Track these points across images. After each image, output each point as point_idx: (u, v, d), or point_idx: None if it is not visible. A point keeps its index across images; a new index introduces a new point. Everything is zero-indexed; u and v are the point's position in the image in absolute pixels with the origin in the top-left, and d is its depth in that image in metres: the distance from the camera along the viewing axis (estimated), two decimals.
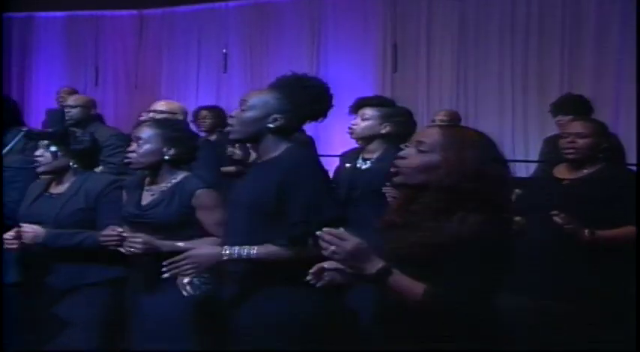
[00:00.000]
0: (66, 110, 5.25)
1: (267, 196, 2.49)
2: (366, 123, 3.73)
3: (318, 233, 1.93)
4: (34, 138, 3.25)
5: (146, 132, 3.03)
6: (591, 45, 6.87)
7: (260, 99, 2.63)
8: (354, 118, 3.75)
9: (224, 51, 8.23)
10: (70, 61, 9.30)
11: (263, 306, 2.51)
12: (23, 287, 3.44)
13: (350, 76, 7.33)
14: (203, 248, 2.66)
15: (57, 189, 3.32)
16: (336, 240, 1.91)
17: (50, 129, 3.22)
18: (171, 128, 3.09)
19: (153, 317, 2.91)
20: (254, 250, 2.51)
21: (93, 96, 7.10)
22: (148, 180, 3.08)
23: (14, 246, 3.14)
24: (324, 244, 1.91)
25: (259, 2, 8.33)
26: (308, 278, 2.23)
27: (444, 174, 2.00)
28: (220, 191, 3.05)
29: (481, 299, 1.99)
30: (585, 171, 3.37)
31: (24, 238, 3.13)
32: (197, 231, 2.94)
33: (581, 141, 3.37)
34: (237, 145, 4.64)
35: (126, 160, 3.09)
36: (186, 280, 2.63)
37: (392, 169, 2.12)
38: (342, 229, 1.92)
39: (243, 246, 2.51)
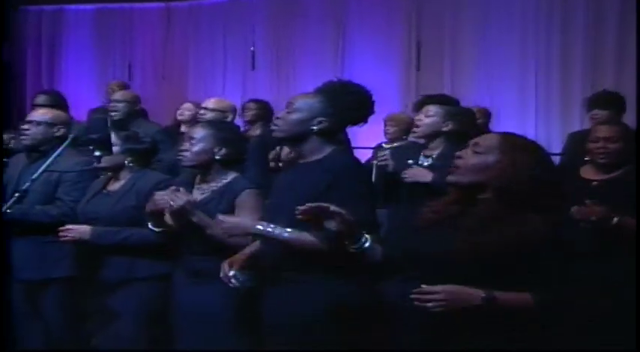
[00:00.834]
0: (112, 105, 5.51)
1: (315, 197, 2.55)
2: (429, 120, 3.85)
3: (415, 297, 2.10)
4: (80, 144, 3.46)
5: (199, 132, 3.20)
6: (613, 40, 7.00)
7: (306, 103, 2.77)
8: (418, 115, 3.90)
9: (252, 48, 8.39)
10: (99, 53, 9.50)
11: (299, 296, 2.64)
12: (76, 281, 3.71)
13: (374, 72, 7.50)
14: (240, 218, 2.80)
15: (113, 187, 3.53)
16: (429, 296, 2.08)
17: (94, 136, 3.40)
18: (224, 129, 3.26)
19: (196, 309, 3.10)
20: (286, 233, 2.59)
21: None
22: (198, 178, 3.24)
23: (66, 239, 3.38)
24: (422, 305, 2.08)
25: None
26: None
27: (498, 175, 2.17)
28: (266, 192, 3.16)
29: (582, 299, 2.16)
30: (614, 173, 3.47)
31: (72, 237, 3.37)
32: None
33: (612, 146, 3.48)
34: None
35: (178, 158, 3.27)
36: (231, 273, 2.78)
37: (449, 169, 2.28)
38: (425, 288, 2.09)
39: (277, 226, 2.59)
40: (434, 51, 7.67)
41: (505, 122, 6.99)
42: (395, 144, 5.42)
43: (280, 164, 4.15)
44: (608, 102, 4.83)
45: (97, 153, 3.42)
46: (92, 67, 9.44)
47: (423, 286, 2.11)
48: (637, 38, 5.75)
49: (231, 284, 2.79)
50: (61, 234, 3.39)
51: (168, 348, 3.33)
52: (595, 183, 3.49)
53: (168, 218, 3.14)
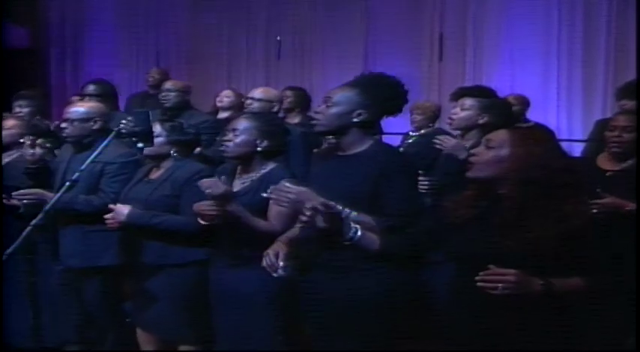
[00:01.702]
0: (162, 94, 5.67)
1: (364, 189, 2.69)
2: (464, 113, 3.90)
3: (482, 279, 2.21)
4: (123, 137, 3.61)
5: (242, 124, 3.33)
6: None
7: (344, 96, 2.87)
8: (454, 107, 3.97)
9: (278, 38, 8.53)
10: (123, 38, 9.65)
11: (352, 282, 2.75)
12: (118, 268, 3.89)
13: (397, 63, 7.64)
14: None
15: (154, 175, 3.70)
16: (499, 277, 2.19)
17: (137, 129, 3.51)
18: (267, 121, 3.38)
19: (234, 294, 3.27)
20: (354, 213, 2.66)
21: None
22: (240, 168, 3.38)
23: (113, 225, 3.54)
24: (491, 285, 2.19)
25: None
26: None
27: (512, 168, 2.30)
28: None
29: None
30: (628, 163, 3.59)
31: (114, 217, 3.52)
32: None
33: (626, 136, 3.58)
34: None
35: (221, 149, 3.41)
36: (281, 263, 2.85)
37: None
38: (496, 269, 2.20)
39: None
40: (456, 41, 7.79)
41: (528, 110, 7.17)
42: (422, 131, 5.60)
43: None
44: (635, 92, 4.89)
45: (140, 145, 3.54)
46: (116, 52, 9.60)
47: (492, 267, 2.20)
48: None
49: (275, 274, 2.86)
50: (107, 221, 3.54)
51: (205, 331, 3.52)
52: (609, 173, 3.60)
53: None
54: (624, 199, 3.42)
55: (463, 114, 3.91)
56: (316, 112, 2.97)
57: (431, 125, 5.68)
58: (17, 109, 5.20)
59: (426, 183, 3.92)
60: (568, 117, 7.44)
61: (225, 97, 5.89)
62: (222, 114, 5.89)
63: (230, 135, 3.34)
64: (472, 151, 2.45)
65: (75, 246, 3.91)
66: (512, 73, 7.47)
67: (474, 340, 2.38)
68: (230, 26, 9.06)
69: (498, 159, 2.34)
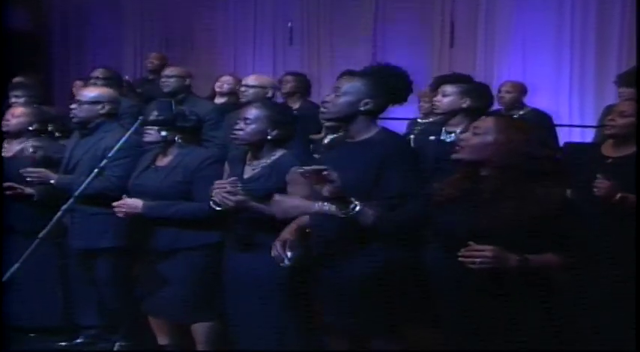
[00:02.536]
0: (162, 80, 5.87)
1: (369, 173, 2.95)
2: (447, 99, 4.17)
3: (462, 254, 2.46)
4: (148, 124, 3.79)
5: (253, 112, 3.52)
6: None
7: (352, 86, 3.11)
8: (436, 95, 4.23)
9: (289, 24, 8.61)
10: (128, 23, 9.75)
11: (359, 265, 2.98)
12: (124, 250, 4.08)
13: (407, 49, 7.74)
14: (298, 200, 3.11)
15: (162, 162, 3.85)
16: (477, 253, 2.44)
17: (161, 117, 3.75)
18: (277, 111, 3.57)
19: (246, 277, 3.46)
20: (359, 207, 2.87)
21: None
22: (249, 155, 3.57)
23: (120, 214, 3.72)
24: (470, 260, 2.44)
25: None
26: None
27: (495, 153, 2.57)
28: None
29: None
30: (628, 151, 3.68)
31: (126, 209, 3.70)
32: None
33: (620, 120, 3.70)
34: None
35: (232, 136, 3.59)
36: (289, 254, 3.09)
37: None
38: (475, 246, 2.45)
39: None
40: (467, 28, 7.86)
41: (539, 96, 7.21)
42: (430, 118, 5.68)
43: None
44: (634, 79, 5.03)
45: (164, 133, 3.77)
46: (122, 37, 9.68)
47: (472, 244, 2.45)
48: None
49: (282, 264, 3.11)
50: (115, 208, 3.71)
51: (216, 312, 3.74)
52: (609, 160, 3.71)
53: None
54: (622, 186, 3.55)
55: (446, 100, 4.18)
56: (325, 101, 3.20)
57: None
58: (13, 99, 5.35)
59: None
60: (580, 103, 7.52)
61: (226, 83, 6.11)
62: (220, 100, 6.10)
63: (242, 124, 3.52)
64: (460, 136, 2.71)
65: (79, 228, 4.11)
66: (524, 59, 7.52)
67: (460, 316, 2.62)
68: (237, 12, 9.10)
69: (483, 144, 2.60)
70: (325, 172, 2.67)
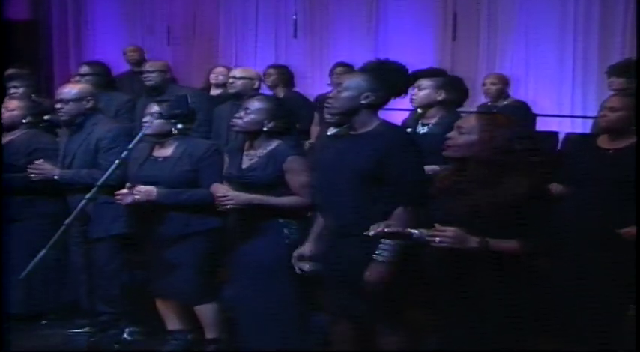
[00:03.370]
0: (144, 75, 6.21)
1: (370, 164, 3.28)
2: (423, 92, 4.58)
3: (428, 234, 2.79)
4: (165, 117, 4.11)
5: (254, 104, 3.88)
6: None
7: (353, 81, 3.45)
8: (413, 89, 4.53)
9: (294, 17, 8.80)
10: (127, 13, 9.92)
11: (363, 251, 3.28)
12: (130, 237, 4.41)
13: (409, 42, 7.93)
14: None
15: (161, 153, 4.18)
16: (440, 233, 2.76)
17: (177, 111, 4.10)
18: (276, 104, 3.94)
19: (249, 260, 3.84)
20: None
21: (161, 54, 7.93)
22: (247, 144, 3.93)
23: (128, 202, 4.02)
24: (431, 239, 2.77)
25: None
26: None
27: (480, 150, 2.88)
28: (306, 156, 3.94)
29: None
30: (625, 142, 3.93)
31: (139, 197, 4.00)
32: (286, 190, 3.81)
33: (611, 115, 3.96)
34: None
35: (231, 123, 3.95)
36: (306, 267, 3.62)
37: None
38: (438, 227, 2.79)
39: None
40: (470, 19, 8.02)
41: (542, 88, 7.44)
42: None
43: None
44: (626, 70, 5.32)
45: (180, 126, 4.13)
46: (119, 27, 9.86)
47: (437, 225, 2.79)
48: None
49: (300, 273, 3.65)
50: (126, 195, 4.01)
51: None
52: (610, 151, 3.95)
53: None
54: (617, 178, 3.84)
55: (422, 93, 4.59)
56: (329, 98, 3.56)
57: None
58: (12, 90, 5.64)
59: None
60: (583, 94, 7.67)
61: (221, 75, 6.64)
62: (216, 91, 6.59)
63: (242, 113, 3.89)
64: (448, 135, 3.02)
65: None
66: (527, 50, 7.70)
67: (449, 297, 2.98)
68: (239, 2, 9.27)
69: (468, 143, 2.93)
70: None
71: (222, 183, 3.92)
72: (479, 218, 2.81)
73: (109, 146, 4.42)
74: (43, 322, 4.79)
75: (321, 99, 5.95)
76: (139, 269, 4.43)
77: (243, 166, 3.87)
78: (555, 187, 3.89)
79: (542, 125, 6.93)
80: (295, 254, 3.66)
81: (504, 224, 2.81)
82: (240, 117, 3.86)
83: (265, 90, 6.41)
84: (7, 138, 4.81)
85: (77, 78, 5.91)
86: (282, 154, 3.79)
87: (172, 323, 4.32)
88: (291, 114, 4.03)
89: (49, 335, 4.65)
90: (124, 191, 4.01)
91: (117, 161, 3.86)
